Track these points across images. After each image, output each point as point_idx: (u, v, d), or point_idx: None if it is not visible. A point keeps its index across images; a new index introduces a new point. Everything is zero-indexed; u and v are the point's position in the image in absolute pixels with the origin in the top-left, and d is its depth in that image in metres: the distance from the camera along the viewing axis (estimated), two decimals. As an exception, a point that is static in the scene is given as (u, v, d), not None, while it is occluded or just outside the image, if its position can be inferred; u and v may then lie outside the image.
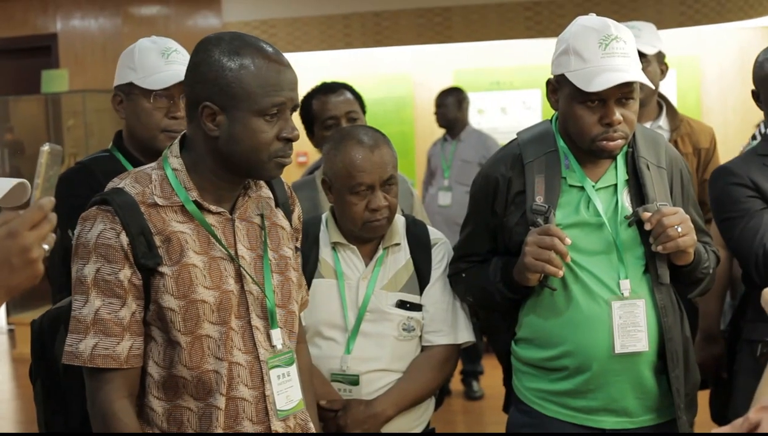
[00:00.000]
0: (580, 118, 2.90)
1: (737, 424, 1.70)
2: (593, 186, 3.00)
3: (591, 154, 2.96)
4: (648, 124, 4.34)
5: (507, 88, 10.70)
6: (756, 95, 3.41)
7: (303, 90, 4.29)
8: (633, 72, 2.84)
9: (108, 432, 2.41)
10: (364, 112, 4.10)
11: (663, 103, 4.45)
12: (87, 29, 10.48)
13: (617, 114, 2.86)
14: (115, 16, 10.42)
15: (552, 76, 3.00)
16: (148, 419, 2.49)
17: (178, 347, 2.42)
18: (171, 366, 2.44)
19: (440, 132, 8.51)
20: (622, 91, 2.85)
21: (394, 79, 10.91)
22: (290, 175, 7.70)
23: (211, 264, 2.45)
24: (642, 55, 4.24)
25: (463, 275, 3.22)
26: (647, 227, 2.87)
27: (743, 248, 3.23)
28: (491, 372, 7.89)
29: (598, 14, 2.96)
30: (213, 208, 2.48)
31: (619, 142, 2.90)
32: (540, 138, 3.08)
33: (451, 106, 8.23)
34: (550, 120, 3.12)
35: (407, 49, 10.65)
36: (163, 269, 2.40)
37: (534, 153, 3.04)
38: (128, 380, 2.43)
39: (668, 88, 9.74)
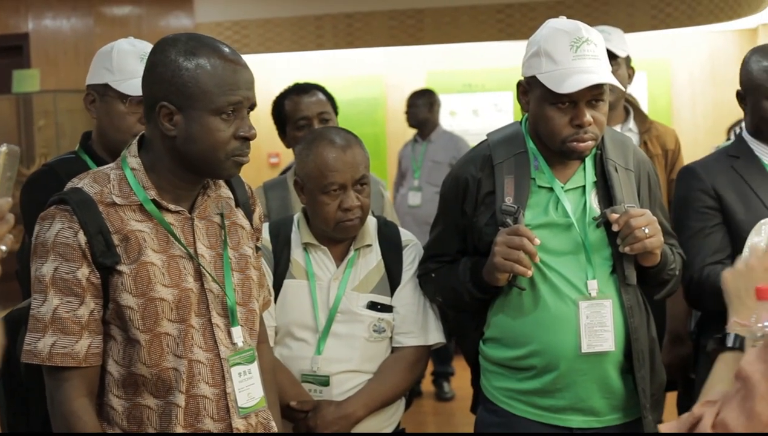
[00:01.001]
0: (551, 120, 2.91)
1: (683, 419, 1.74)
2: (562, 187, 3.02)
3: (561, 155, 2.98)
4: (618, 127, 4.37)
5: (479, 90, 10.71)
6: (741, 96, 3.42)
7: (275, 91, 4.30)
8: (603, 74, 2.86)
9: (68, 431, 2.40)
10: (336, 113, 4.11)
11: (630, 106, 4.47)
12: (59, 29, 10.41)
13: (588, 115, 2.88)
14: (87, 16, 10.36)
15: (523, 78, 3.01)
16: (108, 417, 2.48)
17: (138, 345, 2.42)
18: (130, 364, 2.44)
19: (412, 133, 8.53)
20: (593, 93, 2.87)
21: (366, 80, 10.91)
22: (262, 176, 7.70)
23: (170, 262, 2.45)
24: (613, 57, 4.27)
25: (433, 275, 3.22)
26: (615, 228, 2.89)
27: (684, 261, 3.25)
28: (462, 373, 7.88)
29: (569, 17, 2.98)
30: (172, 207, 2.48)
31: (589, 143, 2.92)
32: (510, 139, 3.09)
33: (422, 107, 8.26)
34: (520, 122, 3.13)
35: (379, 50, 10.64)
36: (122, 267, 2.40)
37: (504, 154, 3.05)
38: (87, 378, 2.43)
39: (639, 91, 9.78)
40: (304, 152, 3.23)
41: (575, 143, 2.91)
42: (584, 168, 3.05)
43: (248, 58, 8.12)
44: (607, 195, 3.01)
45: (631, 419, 3.04)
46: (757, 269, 1.92)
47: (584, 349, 2.93)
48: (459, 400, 7.70)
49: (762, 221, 2.31)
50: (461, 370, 7.83)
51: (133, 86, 3.15)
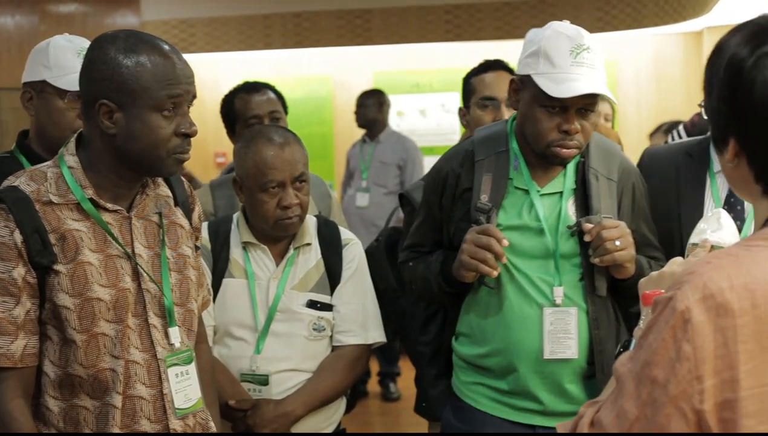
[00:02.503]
0: (540, 122, 2.90)
1: (574, 419, 1.80)
2: (538, 191, 3.01)
3: (543, 159, 2.97)
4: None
5: (426, 90, 10.73)
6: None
7: (222, 91, 4.29)
8: (599, 85, 2.84)
9: (2, 432, 2.38)
10: (285, 112, 4.10)
11: None
12: (3, 27, 10.29)
13: (576, 123, 2.87)
14: (32, 13, 10.25)
15: (516, 75, 3.00)
16: (44, 418, 2.46)
17: (74, 345, 2.40)
18: (67, 365, 2.42)
19: (360, 133, 8.53)
20: (585, 102, 2.86)
21: (314, 80, 10.90)
22: (209, 175, 7.68)
23: (107, 262, 2.43)
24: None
25: (410, 263, 3.25)
26: (587, 238, 2.89)
27: None
28: (408, 374, 7.88)
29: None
30: (110, 206, 2.46)
31: (573, 151, 2.92)
32: (494, 137, 3.09)
33: (371, 107, 8.25)
34: (507, 121, 3.13)
35: (327, 50, 10.64)
36: (58, 267, 2.38)
37: (485, 152, 3.06)
38: (23, 379, 2.41)
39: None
40: (243, 151, 3.22)
41: (559, 149, 2.90)
42: (565, 174, 3.04)
43: (195, 57, 8.15)
44: (584, 203, 3.00)
45: None
46: (666, 277, 1.93)
47: (546, 355, 2.94)
48: (405, 400, 7.70)
49: (713, 213, 2.30)
50: (407, 370, 7.83)
51: (72, 81, 3.12)
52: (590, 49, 2.86)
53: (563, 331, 2.94)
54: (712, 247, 2.10)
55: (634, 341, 1.93)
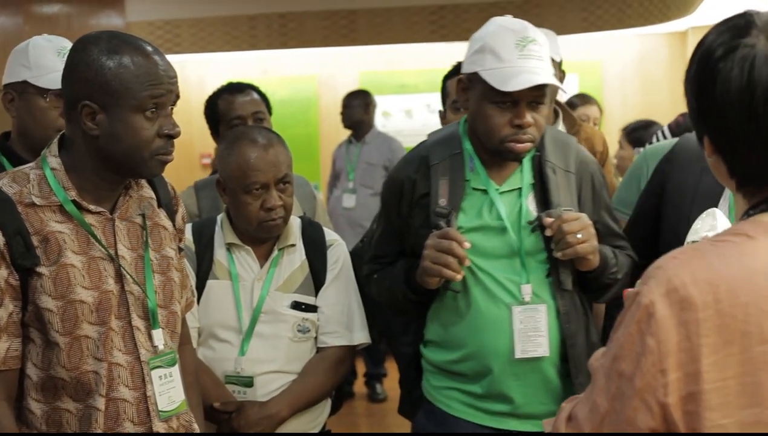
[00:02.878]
0: (491, 118, 2.87)
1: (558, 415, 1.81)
2: (497, 190, 2.98)
3: (498, 156, 2.94)
4: (546, 130, 4.40)
5: (412, 91, 10.74)
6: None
7: (208, 91, 4.27)
8: (548, 76, 2.82)
9: None
10: (269, 113, 4.08)
11: (559, 108, 4.50)
12: (-13, 28, 10.29)
13: (528, 116, 2.84)
14: (16, 14, 10.21)
15: (463, 74, 2.96)
16: (26, 421, 2.44)
17: (57, 348, 2.39)
18: (49, 367, 2.41)
19: (345, 134, 8.51)
20: (534, 95, 2.83)
21: (299, 80, 10.89)
22: (195, 176, 7.66)
23: (90, 264, 2.42)
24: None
25: (375, 276, 3.21)
26: (548, 232, 2.85)
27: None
28: (395, 375, 7.87)
29: None
30: (92, 207, 2.45)
31: (528, 144, 2.88)
32: (447, 140, 3.06)
33: (357, 108, 8.23)
34: (459, 122, 3.09)
35: (313, 51, 10.63)
36: (41, 269, 2.37)
37: (440, 155, 3.01)
38: (6, 382, 2.39)
39: (571, 92, 9.85)
40: (226, 152, 3.21)
41: (513, 144, 2.86)
42: (522, 170, 3.00)
43: (180, 58, 8.12)
44: (544, 198, 2.97)
45: None
46: None
47: (518, 354, 2.90)
48: (391, 401, 7.69)
49: (708, 212, 2.29)
50: (394, 371, 7.81)
51: (53, 80, 3.12)
52: (536, 41, 2.83)
53: (533, 329, 2.90)
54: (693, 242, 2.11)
55: None
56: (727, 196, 3.11)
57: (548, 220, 2.84)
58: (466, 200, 2.98)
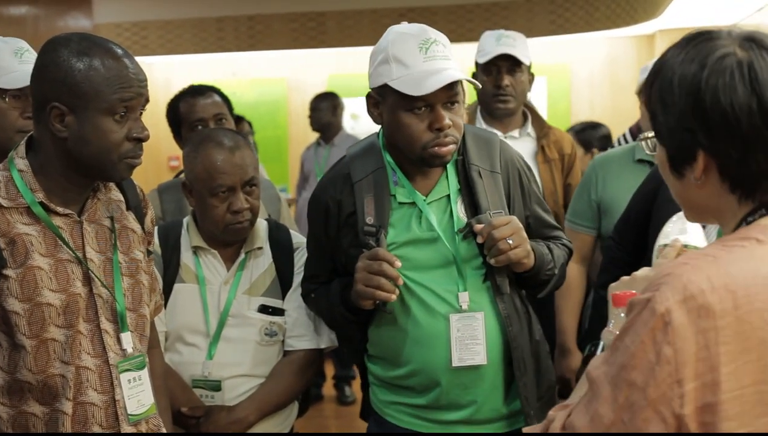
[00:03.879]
0: (409, 127, 2.80)
1: (543, 423, 1.77)
2: (424, 200, 2.93)
3: (422, 163, 2.88)
4: (516, 132, 4.41)
5: (381, 93, 10.73)
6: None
7: (176, 93, 4.25)
8: (457, 72, 2.77)
9: None
10: (232, 115, 4.07)
11: (528, 111, 4.51)
12: (-47, 30, 10.22)
13: (446, 118, 2.78)
14: (-18, 16, 10.18)
15: (371, 90, 2.88)
16: None
17: (23, 350, 2.38)
18: (15, 371, 2.40)
19: (314, 136, 8.50)
20: (449, 95, 2.78)
21: (268, 83, 10.88)
22: (162, 179, 7.62)
23: (58, 267, 2.41)
24: (517, 64, 4.33)
25: (312, 295, 3.17)
26: (479, 240, 2.83)
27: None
28: (364, 377, 7.89)
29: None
30: (60, 210, 2.44)
31: (451, 147, 2.82)
32: (366, 155, 3.00)
33: (325, 111, 8.22)
34: (377, 134, 3.04)
35: (282, 53, 10.62)
36: (8, 271, 2.36)
37: (362, 172, 2.96)
38: None
39: (539, 95, 9.89)
40: (192, 155, 3.19)
41: (437, 148, 2.80)
42: (446, 176, 2.96)
43: (148, 60, 8.06)
44: (472, 202, 2.92)
45: (521, 425, 2.97)
46: (638, 280, 1.92)
47: (455, 363, 2.86)
48: (360, 403, 7.69)
49: (678, 216, 2.26)
50: (363, 373, 7.82)
51: (11, 80, 3.10)
52: (437, 42, 2.78)
53: (470, 337, 2.87)
54: (685, 246, 2.06)
55: (602, 343, 1.91)
56: None
57: (478, 226, 2.83)
58: (394, 215, 2.93)
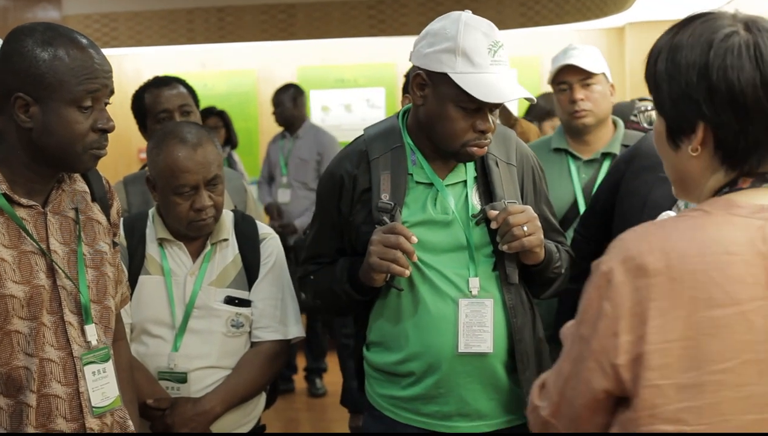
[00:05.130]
0: (455, 121, 2.79)
1: None
2: (442, 183, 2.93)
3: (453, 157, 2.88)
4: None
5: (351, 85, 10.73)
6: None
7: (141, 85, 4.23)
8: (519, 87, 2.79)
9: None
10: (197, 106, 4.05)
11: None
12: None
13: (491, 121, 2.80)
14: (-50, 7, 10.10)
15: (422, 70, 2.84)
16: None
17: None
18: None
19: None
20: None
21: (238, 74, 10.85)
22: (132, 170, 7.58)
23: (21, 258, 2.39)
24: None
25: (312, 277, 3.12)
26: (493, 225, 2.82)
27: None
28: (335, 369, 7.88)
29: (440, 14, 2.86)
30: (24, 201, 2.42)
31: (485, 149, 2.85)
32: (386, 134, 2.99)
33: (286, 105, 8.18)
34: (397, 115, 3.04)
35: (252, 45, 10.59)
36: None
37: (380, 149, 2.95)
38: None
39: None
40: (155, 151, 3.18)
41: (475, 148, 2.82)
42: (464, 163, 2.95)
43: (117, 52, 8.00)
44: (487, 191, 2.93)
45: (520, 422, 2.95)
46: None
47: (461, 349, 2.83)
48: (331, 396, 7.71)
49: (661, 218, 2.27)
50: (334, 366, 7.82)
51: None
52: (503, 46, 2.77)
53: (478, 323, 2.85)
54: None
55: None
56: (681, 208, 3.16)
57: (493, 212, 2.82)
58: (410, 194, 2.93)
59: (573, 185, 3.95)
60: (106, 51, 2.48)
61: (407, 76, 3.89)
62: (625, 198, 3.27)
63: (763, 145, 1.76)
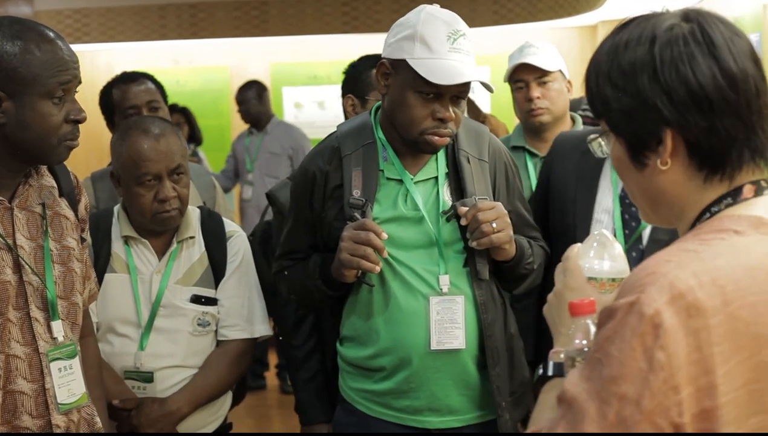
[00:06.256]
0: (413, 108, 2.82)
1: None
2: (412, 179, 2.94)
3: (415, 147, 2.90)
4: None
5: (324, 82, 10.71)
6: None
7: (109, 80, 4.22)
8: (477, 72, 2.82)
9: None
10: (166, 102, 4.04)
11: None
12: None
13: (450, 110, 2.82)
14: None
15: (385, 59, 2.89)
16: None
17: None
18: None
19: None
20: (459, 89, 2.81)
21: (211, 71, 10.82)
22: (104, 165, 7.57)
23: None
24: None
25: (286, 272, 3.13)
26: (463, 222, 2.83)
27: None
28: (306, 366, 7.88)
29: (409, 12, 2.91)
30: None
31: (446, 139, 2.85)
32: (358, 130, 3.01)
33: (252, 102, 8.20)
34: (369, 112, 3.06)
35: (225, 41, 10.56)
36: None
37: (352, 146, 2.96)
38: None
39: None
40: (118, 143, 3.17)
41: (433, 136, 2.83)
42: (436, 159, 2.97)
43: (90, 48, 7.97)
44: (459, 187, 2.94)
45: (491, 417, 2.97)
46: (564, 293, 1.77)
47: (433, 346, 2.86)
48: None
49: (596, 234, 2.02)
50: (305, 362, 7.82)
51: None
52: (465, 36, 2.81)
53: (450, 320, 2.87)
54: (591, 279, 1.80)
55: (552, 364, 1.74)
56: (608, 173, 3.19)
57: (463, 209, 2.83)
58: (381, 191, 2.94)
59: (530, 182, 3.97)
60: (78, 47, 2.49)
61: (346, 73, 3.93)
62: (557, 181, 3.34)
63: (739, 140, 1.57)
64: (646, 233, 3.18)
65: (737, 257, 1.49)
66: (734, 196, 1.59)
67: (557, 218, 3.31)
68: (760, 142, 1.60)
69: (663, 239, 3.05)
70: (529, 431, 1.59)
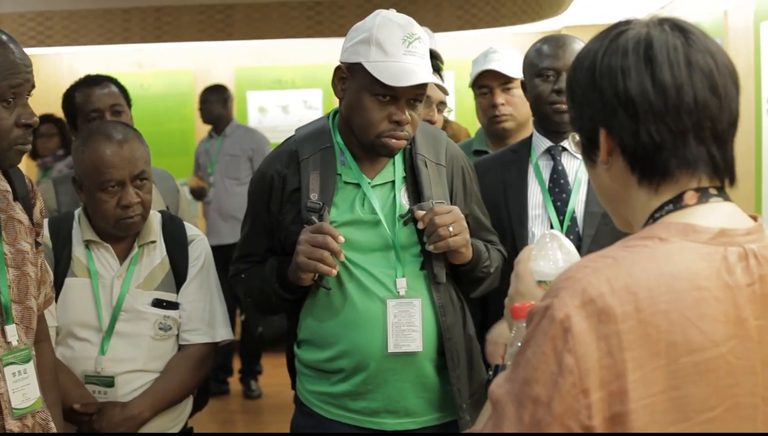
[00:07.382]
0: (369, 111, 2.84)
1: None
2: (369, 183, 2.96)
3: (372, 150, 2.92)
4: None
5: (288, 87, 10.69)
6: (523, 85, 3.48)
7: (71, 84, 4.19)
8: (431, 74, 2.84)
9: None
10: (129, 106, 4.01)
11: None
12: None
13: (407, 114, 2.84)
14: None
15: (342, 64, 2.92)
16: None
17: None
18: None
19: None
20: (416, 93, 2.83)
21: (175, 74, 10.77)
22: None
23: None
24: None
25: (242, 276, 3.14)
26: (420, 225, 2.85)
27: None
28: (270, 372, 7.90)
29: None
30: None
31: (403, 142, 2.88)
32: (316, 134, 3.02)
33: (215, 103, 8.20)
34: (327, 116, 3.07)
35: (189, 45, 10.52)
36: None
37: (310, 150, 2.98)
38: None
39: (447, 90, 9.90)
40: (80, 148, 3.15)
41: (389, 139, 2.85)
42: (393, 163, 2.99)
43: (53, 51, 7.93)
44: (416, 191, 2.96)
45: (449, 419, 2.99)
46: (514, 298, 1.80)
47: (390, 349, 2.87)
48: (267, 398, 7.71)
49: (546, 235, 2.01)
50: (269, 368, 7.83)
51: None
52: (420, 39, 2.83)
53: (407, 323, 2.89)
54: (541, 282, 1.81)
55: (500, 366, 1.79)
56: (533, 174, 3.34)
57: (420, 212, 2.85)
58: (338, 194, 2.96)
59: None
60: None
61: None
62: (486, 193, 3.35)
63: (667, 149, 1.59)
64: (580, 209, 3.26)
65: (655, 265, 1.51)
66: (675, 202, 1.61)
67: (493, 224, 3.33)
68: (691, 153, 1.60)
69: (597, 211, 3.15)
70: (468, 431, 1.65)
